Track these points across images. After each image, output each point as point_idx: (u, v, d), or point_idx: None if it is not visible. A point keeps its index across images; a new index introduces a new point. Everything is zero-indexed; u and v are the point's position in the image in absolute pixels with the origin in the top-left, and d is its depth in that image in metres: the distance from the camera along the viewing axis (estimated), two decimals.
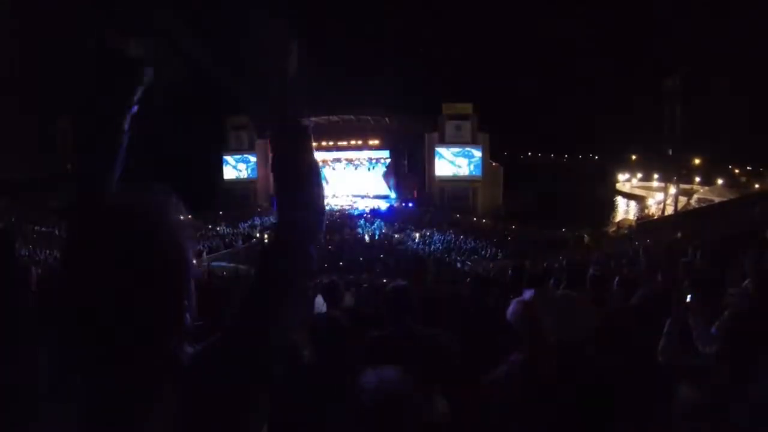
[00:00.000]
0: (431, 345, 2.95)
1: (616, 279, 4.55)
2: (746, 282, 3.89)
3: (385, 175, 49.47)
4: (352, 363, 2.74)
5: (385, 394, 1.10)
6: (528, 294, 2.51)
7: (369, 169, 49.54)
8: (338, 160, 50.21)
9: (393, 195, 48.10)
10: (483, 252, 28.69)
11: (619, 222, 42.14)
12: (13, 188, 45.25)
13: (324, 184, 1.16)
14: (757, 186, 46.73)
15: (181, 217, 0.99)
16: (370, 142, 48.89)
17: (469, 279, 4.80)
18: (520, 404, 2.17)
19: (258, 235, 34.12)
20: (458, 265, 24.13)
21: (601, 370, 2.17)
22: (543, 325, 2.24)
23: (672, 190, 41.85)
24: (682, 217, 33.82)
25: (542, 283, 5.13)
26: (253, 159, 49.24)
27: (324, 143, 50.49)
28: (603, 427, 2.05)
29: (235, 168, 50.02)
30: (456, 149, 43.82)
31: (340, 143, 49.73)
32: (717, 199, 40.18)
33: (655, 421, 2.58)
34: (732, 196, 39.29)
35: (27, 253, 24.15)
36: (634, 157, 64.26)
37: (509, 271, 5.39)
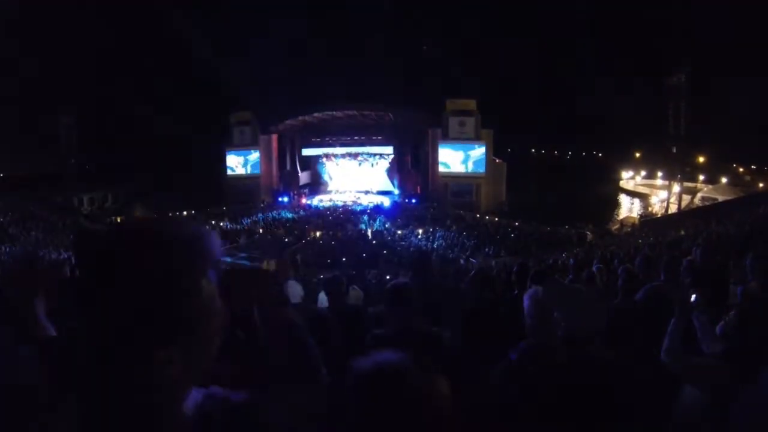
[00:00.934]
0: (433, 343, 2.95)
1: (621, 276, 4.54)
2: (751, 281, 3.88)
3: (389, 171, 49.52)
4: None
5: (382, 372, 1.08)
6: (540, 286, 2.51)
7: (372, 165, 49.60)
8: (341, 155, 50.24)
9: (396, 191, 48.12)
10: (486, 249, 28.66)
11: (622, 220, 42.11)
12: (16, 185, 45.46)
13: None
14: (761, 185, 46.66)
15: (207, 245, 0.93)
16: (374, 138, 48.86)
17: (473, 273, 4.77)
18: (524, 393, 2.17)
19: (261, 230, 34.19)
20: (461, 261, 24.10)
21: (606, 364, 2.17)
22: (552, 317, 2.24)
23: (676, 188, 41.80)
24: (685, 215, 33.80)
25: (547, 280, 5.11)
26: (255, 155, 49.11)
27: (327, 138, 50.58)
28: (605, 423, 2.05)
29: (239, 165, 50.01)
30: (456, 145, 43.73)
31: (343, 138, 49.76)
32: (721, 198, 40.15)
33: (657, 420, 2.57)
34: (736, 195, 39.25)
35: (31, 249, 24.21)
36: (638, 154, 64.16)
37: (514, 268, 5.37)
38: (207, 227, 0.95)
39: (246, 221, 38.25)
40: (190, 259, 0.88)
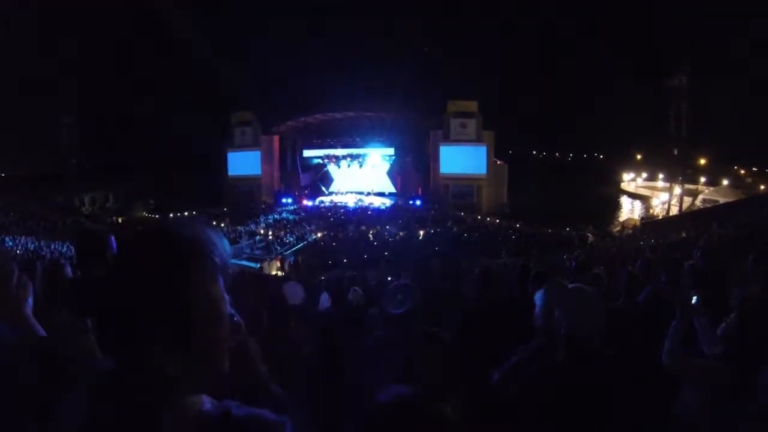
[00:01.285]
0: (433, 343, 2.95)
1: (623, 278, 4.54)
2: (752, 283, 3.88)
3: (390, 173, 49.48)
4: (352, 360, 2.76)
5: (401, 408, 1.12)
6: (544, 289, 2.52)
7: (373, 166, 49.53)
8: (343, 156, 50.20)
9: (397, 192, 48.06)
10: (487, 250, 28.61)
11: (623, 222, 42.10)
12: (16, 185, 45.54)
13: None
14: (762, 187, 46.59)
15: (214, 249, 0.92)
16: (375, 139, 48.85)
17: (477, 272, 4.78)
18: (525, 393, 2.18)
19: (262, 231, 34.20)
20: (462, 263, 24.08)
21: (606, 365, 2.17)
22: (555, 316, 2.25)
23: (677, 190, 41.80)
24: (686, 217, 33.78)
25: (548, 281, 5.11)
26: (256, 156, 49.10)
27: (329, 140, 50.60)
28: (605, 423, 2.06)
29: (240, 165, 50.01)
30: (457, 147, 43.72)
31: (344, 140, 49.77)
32: (722, 200, 40.12)
33: (657, 421, 2.57)
34: (737, 197, 39.22)
35: (33, 248, 24.25)
36: (639, 156, 64.08)
37: (516, 269, 5.39)
38: (215, 230, 0.94)
39: (251, 225, 38.19)
40: (193, 262, 0.88)
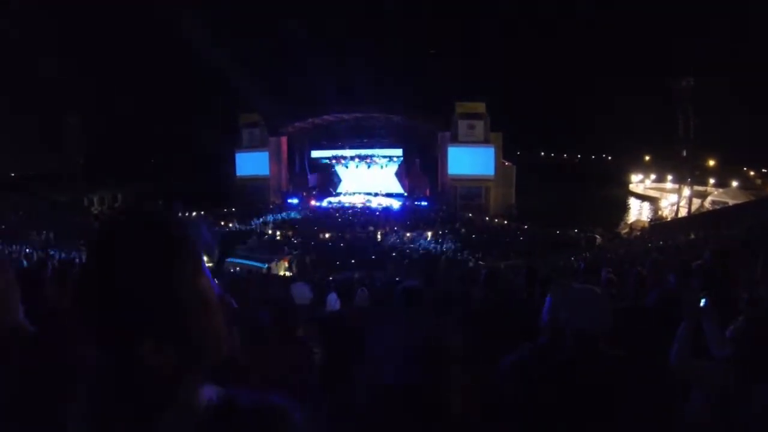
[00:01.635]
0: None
1: (631, 279, 4.53)
2: (761, 285, 3.86)
3: (398, 174, 49.44)
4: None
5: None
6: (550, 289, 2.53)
7: (381, 167, 49.52)
8: (351, 157, 50.22)
9: (405, 193, 48.03)
10: (495, 251, 28.60)
11: (632, 223, 41.94)
12: (19, 184, 45.76)
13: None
14: None
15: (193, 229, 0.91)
16: (383, 140, 48.85)
17: (485, 273, 4.78)
18: (528, 393, 2.18)
19: (270, 231, 34.27)
20: (470, 264, 24.06)
21: (611, 365, 2.17)
22: (561, 316, 2.25)
23: (686, 191, 41.54)
24: (695, 219, 33.59)
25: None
26: (264, 156, 49.20)
27: (336, 141, 50.64)
28: (607, 423, 2.06)
29: (249, 166, 50.15)
30: (465, 148, 43.62)
31: (352, 141, 49.78)
32: (731, 202, 39.86)
33: (664, 423, 2.56)
34: (747, 199, 38.96)
35: (40, 248, 24.37)
36: (647, 157, 63.75)
37: (523, 271, 5.38)
38: (196, 217, 0.92)
39: (257, 222, 38.33)
40: (173, 250, 0.86)
